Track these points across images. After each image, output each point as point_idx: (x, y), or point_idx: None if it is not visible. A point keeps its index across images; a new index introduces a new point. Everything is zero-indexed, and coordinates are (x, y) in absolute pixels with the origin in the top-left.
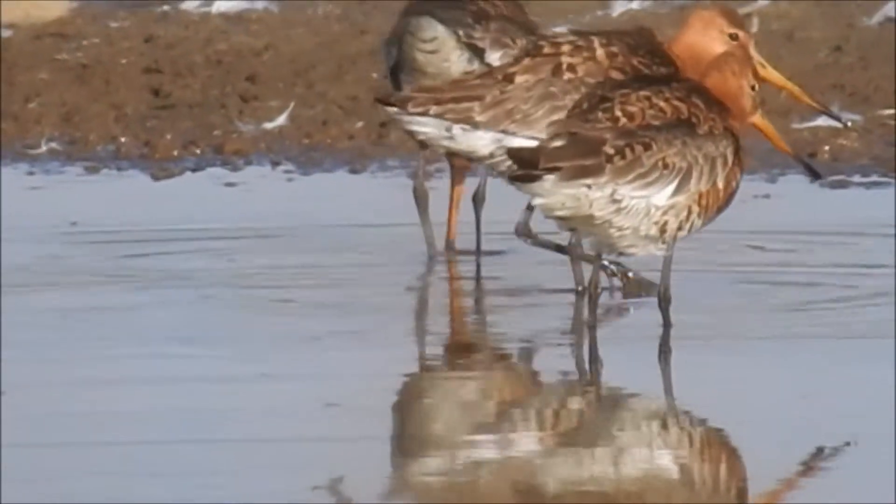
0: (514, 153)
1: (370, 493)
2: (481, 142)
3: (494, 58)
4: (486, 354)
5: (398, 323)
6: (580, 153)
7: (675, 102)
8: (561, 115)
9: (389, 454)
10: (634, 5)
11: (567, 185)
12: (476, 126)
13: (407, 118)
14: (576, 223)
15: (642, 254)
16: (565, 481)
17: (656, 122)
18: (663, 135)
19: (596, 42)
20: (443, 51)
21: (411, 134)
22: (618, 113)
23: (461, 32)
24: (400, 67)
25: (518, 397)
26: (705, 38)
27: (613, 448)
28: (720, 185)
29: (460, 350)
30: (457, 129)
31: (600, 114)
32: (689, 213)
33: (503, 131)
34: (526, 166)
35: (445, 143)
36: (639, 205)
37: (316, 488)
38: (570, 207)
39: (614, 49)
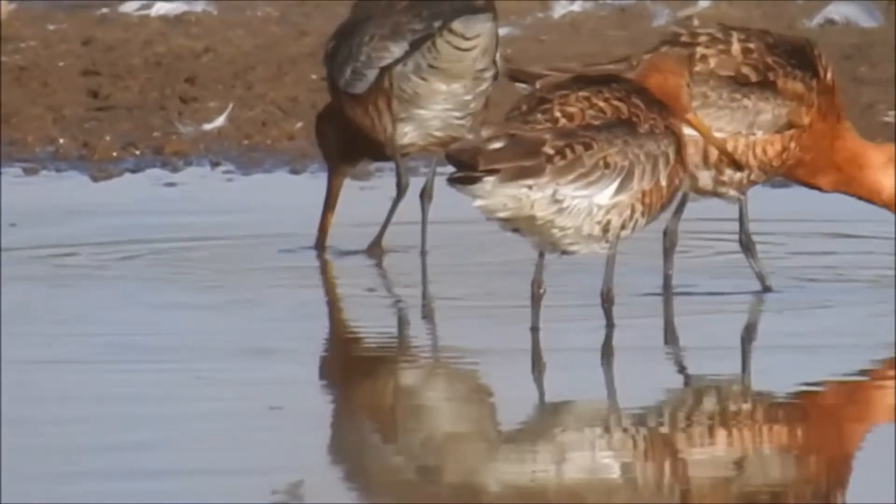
0: (452, 156)
1: (329, 494)
2: None
3: (498, 55)
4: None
5: (341, 326)
6: (520, 154)
7: (615, 102)
8: None
9: (342, 456)
10: (576, 7)
11: (507, 187)
12: None
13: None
14: (518, 224)
15: (585, 252)
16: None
17: (596, 122)
18: (604, 134)
19: (734, 37)
20: (479, 48)
21: None
22: (557, 114)
23: (497, 29)
24: (404, 65)
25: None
26: (886, 167)
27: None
28: (663, 183)
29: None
30: None
31: (539, 115)
32: (633, 211)
33: None
34: (465, 168)
35: None
36: (581, 204)
37: (275, 492)
38: (511, 209)
39: (751, 45)
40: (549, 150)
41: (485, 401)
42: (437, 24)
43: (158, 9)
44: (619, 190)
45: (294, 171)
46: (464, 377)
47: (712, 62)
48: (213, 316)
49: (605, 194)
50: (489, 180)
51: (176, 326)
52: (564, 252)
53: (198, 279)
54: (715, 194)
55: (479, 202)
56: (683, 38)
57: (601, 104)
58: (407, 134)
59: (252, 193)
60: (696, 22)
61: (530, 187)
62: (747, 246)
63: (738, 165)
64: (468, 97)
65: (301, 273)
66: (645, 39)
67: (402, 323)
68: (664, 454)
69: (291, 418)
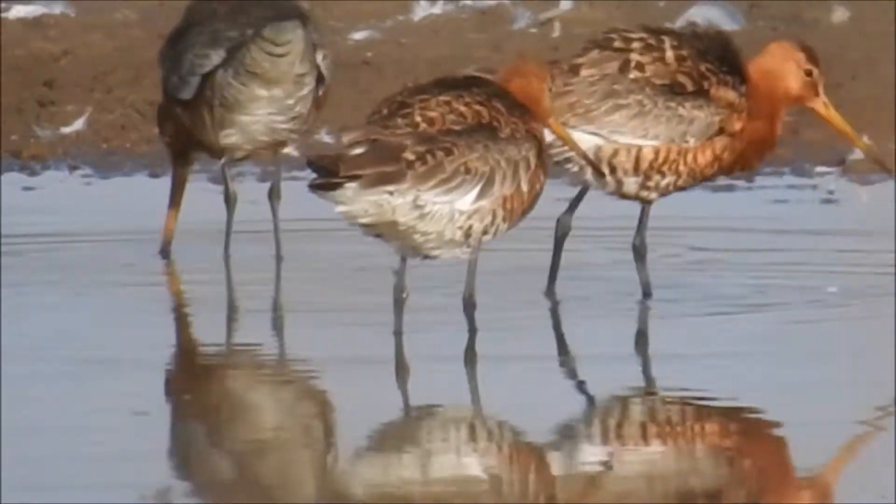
0: (313, 162)
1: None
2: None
3: (319, 57)
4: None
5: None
6: (380, 160)
7: (476, 107)
8: (622, 112)
9: (196, 462)
10: (436, 9)
11: (369, 193)
12: None
13: None
14: (380, 229)
15: (447, 257)
16: (375, 484)
17: (457, 127)
18: (465, 139)
19: (667, 43)
20: (293, 53)
21: None
22: (417, 118)
23: (311, 35)
24: (224, 71)
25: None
26: (782, 68)
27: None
28: (524, 188)
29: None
30: None
31: (400, 120)
32: (494, 216)
33: (562, 124)
34: (326, 175)
35: None
36: (442, 210)
37: (143, 496)
38: (372, 214)
39: (684, 52)
40: (409, 155)
41: (345, 407)
42: (249, 31)
43: (17, 11)
44: (480, 195)
45: (153, 175)
46: (320, 385)
47: (648, 70)
48: (66, 320)
49: (466, 200)
50: (350, 186)
51: (29, 329)
52: (427, 257)
53: (55, 283)
54: (637, 198)
55: (340, 208)
56: (616, 44)
57: (462, 109)
58: (232, 139)
59: (111, 197)
60: (556, 24)
61: (391, 193)
62: (640, 251)
63: (600, 173)
64: (290, 101)
65: (156, 278)
66: (506, 42)
67: (253, 331)
68: (528, 462)
69: (154, 424)
